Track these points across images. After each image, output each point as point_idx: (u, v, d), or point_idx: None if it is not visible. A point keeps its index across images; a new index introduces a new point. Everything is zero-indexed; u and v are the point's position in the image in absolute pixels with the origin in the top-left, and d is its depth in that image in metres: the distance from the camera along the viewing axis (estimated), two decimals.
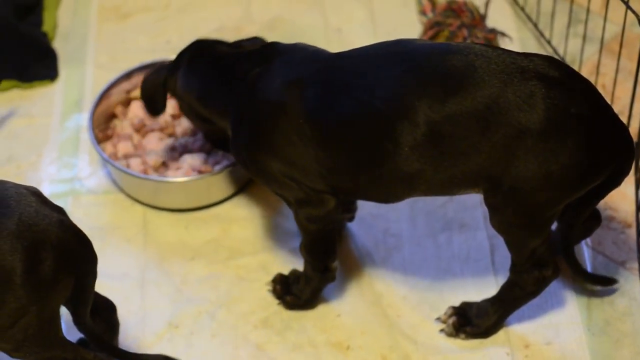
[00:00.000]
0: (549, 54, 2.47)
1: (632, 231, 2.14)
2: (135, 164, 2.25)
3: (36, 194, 1.72)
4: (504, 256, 1.91)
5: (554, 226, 2.05)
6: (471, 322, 1.99)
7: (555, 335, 2.00)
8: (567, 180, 1.75)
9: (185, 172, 2.23)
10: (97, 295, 1.84)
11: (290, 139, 1.84)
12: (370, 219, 2.20)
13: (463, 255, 2.13)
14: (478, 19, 2.48)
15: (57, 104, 2.48)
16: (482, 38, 2.43)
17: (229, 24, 2.63)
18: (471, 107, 1.72)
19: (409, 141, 1.75)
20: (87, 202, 2.27)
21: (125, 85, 2.38)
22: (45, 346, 1.72)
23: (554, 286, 2.04)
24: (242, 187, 2.27)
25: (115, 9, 2.70)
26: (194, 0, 2.71)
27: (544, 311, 2.03)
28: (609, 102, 2.25)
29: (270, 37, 2.10)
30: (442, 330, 2.01)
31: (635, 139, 2.24)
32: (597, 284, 2.04)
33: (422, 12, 2.60)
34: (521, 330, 2.01)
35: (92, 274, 1.75)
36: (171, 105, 2.32)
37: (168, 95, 2.09)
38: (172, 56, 2.40)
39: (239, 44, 2.01)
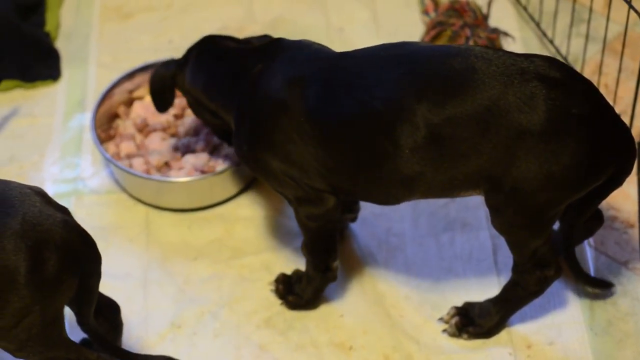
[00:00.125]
0: (551, 54, 2.48)
1: (635, 231, 2.14)
2: (138, 163, 2.25)
3: (40, 193, 1.72)
4: (507, 256, 1.91)
5: (556, 226, 2.05)
6: (474, 322, 1.99)
7: (557, 335, 2.00)
8: (569, 180, 1.75)
9: (188, 172, 2.23)
10: (101, 295, 1.84)
11: (291, 136, 1.84)
12: (372, 219, 2.20)
13: (465, 255, 2.13)
14: (480, 19, 2.48)
15: (59, 104, 2.48)
16: (485, 38, 2.43)
17: (231, 24, 2.64)
18: (471, 110, 1.72)
19: (409, 143, 1.75)
20: (89, 202, 2.27)
21: (128, 85, 2.38)
22: (49, 346, 1.72)
23: (557, 286, 2.04)
24: (245, 187, 2.27)
25: (117, 9, 2.71)
26: (196, 0, 2.71)
27: (547, 311, 2.03)
28: (611, 101, 2.25)
29: None
30: (444, 331, 2.02)
31: (637, 138, 2.24)
32: (596, 286, 2.04)
33: (425, 12, 2.60)
34: (524, 330, 2.01)
35: (96, 274, 1.75)
36: (174, 105, 2.32)
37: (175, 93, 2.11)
38: (175, 56, 2.41)
39: (248, 40, 2.02)
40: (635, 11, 2.02)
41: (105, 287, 1.91)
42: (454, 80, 1.73)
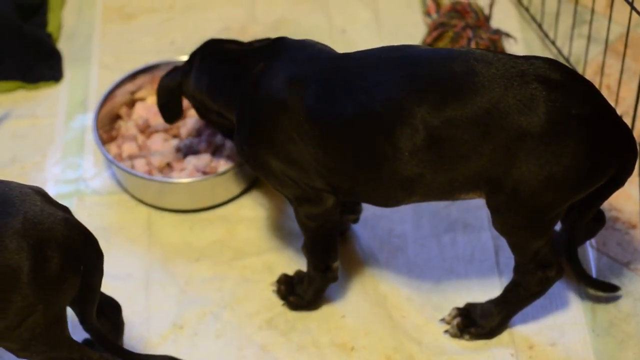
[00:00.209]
0: (553, 55, 2.48)
1: (637, 232, 2.14)
2: (140, 164, 2.25)
3: (40, 193, 1.72)
4: (509, 257, 1.91)
5: (557, 227, 2.05)
6: (475, 323, 1.99)
7: (559, 336, 2.00)
8: (570, 181, 1.75)
9: (190, 173, 2.24)
10: (102, 294, 1.84)
11: (291, 136, 1.84)
12: (374, 220, 2.20)
13: (467, 256, 2.13)
14: (482, 20, 2.48)
15: (61, 104, 2.48)
16: (487, 39, 2.43)
17: (233, 25, 2.64)
18: (471, 112, 1.73)
19: (409, 146, 1.76)
20: (91, 203, 2.28)
21: (130, 86, 2.38)
22: (52, 346, 1.72)
23: (558, 287, 2.04)
24: (246, 188, 2.27)
25: (119, 10, 2.71)
26: (198, 1, 2.71)
27: (549, 312, 2.03)
28: (613, 102, 2.26)
29: None
30: (446, 331, 2.02)
31: (639, 139, 2.24)
32: (600, 289, 2.03)
33: (427, 13, 2.60)
34: (526, 331, 2.01)
35: (98, 272, 1.75)
36: None
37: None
38: (177, 57, 2.41)
39: (250, 43, 2.02)
40: (637, 12, 2.02)
41: (107, 287, 1.91)
42: (454, 83, 1.74)
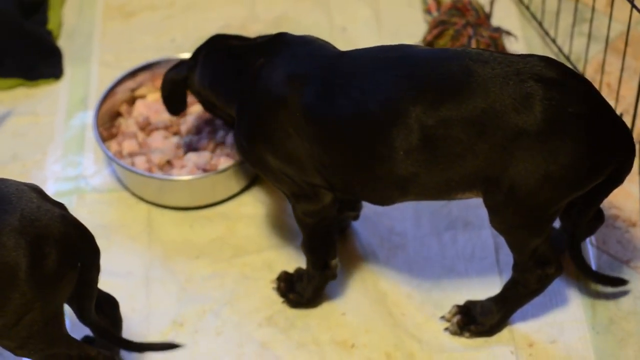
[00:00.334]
0: (553, 53, 2.48)
1: (637, 230, 2.14)
2: (140, 162, 2.25)
3: (36, 190, 1.72)
4: (509, 254, 1.91)
5: (558, 225, 2.05)
6: (475, 320, 1.99)
7: (559, 333, 2.00)
8: (567, 179, 1.75)
9: (190, 171, 2.24)
10: (100, 291, 1.84)
11: (288, 132, 1.85)
12: (374, 218, 2.20)
13: (467, 254, 2.13)
14: (483, 18, 2.48)
15: (62, 102, 2.48)
16: (487, 37, 2.43)
17: (234, 23, 2.64)
18: (466, 112, 1.73)
19: (404, 145, 1.76)
20: (92, 201, 2.28)
21: (130, 84, 2.38)
22: (50, 343, 1.72)
23: (558, 285, 2.04)
24: (247, 185, 2.27)
25: (120, 8, 2.71)
26: None
27: (549, 310, 2.03)
28: (613, 101, 2.26)
29: None
30: (446, 329, 2.01)
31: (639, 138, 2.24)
32: (606, 284, 2.03)
33: (427, 11, 2.60)
34: (525, 328, 2.01)
35: (95, 268, 1.75)
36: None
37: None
38: (177, 54, 2.41)
39: (255, 39, 2.03)
40: (638, 10, 2.02)
41: (107, 285, 1.91)
42: (450, 83, 1.74)
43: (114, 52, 2.59)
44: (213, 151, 2.28)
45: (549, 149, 1.72)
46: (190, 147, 2.29)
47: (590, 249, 2.11)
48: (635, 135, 2.21)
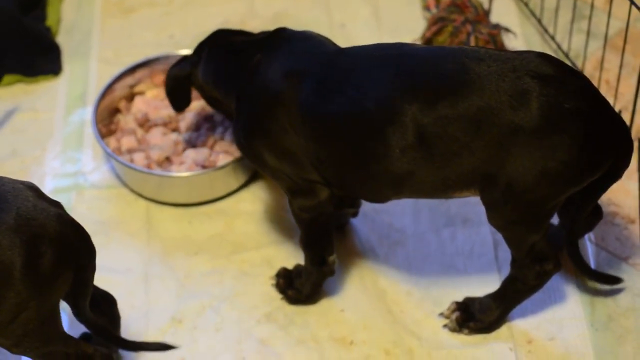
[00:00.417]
0: (552, 50, 2.48)
1: (636, 227, 2.14)
2: (139, 158, 2.25)
3: (33, 188, 1.71)
4: (508, 251, 1.91)
5: (556, 221, 2.05)
6: (474, 317, 1.99)
7: (558, 330, 2.00)
8: (564, 175, 1.75)
9: (189, 167, 2.24)
10: (97, 289, 1.84)
11: (284, 127, 1.85)
12: (373, 214, 2.20)
13: (466, 251, 2.13)
14: (482, 15, 2.48)
15: (61, 98, 2.48)
16: (486, 34, 2.43)
17: (233, 19, 2.64)
18: (462, 110, 1.73)
19: (400, 143, 1.76)
20: (90, 197, 2.27)
21: (129, 80, 2.38)
22: (46, 341, 1.72)
23: (557, 281, 2.04)
24: (245, 181, 2.27)
25: (119, 4, 2.71)
26: None
27: (547, 306, 2.03)
28: (612, 98, 2.26)
29: None
30: (445, 326, 2.02)
31: (639, 134, 2.24)
32: (602, 282, 2.03)
33: (426, 8, 2.60)
34: (524, 325, 2.01)
35: (91, 267, 1.75)
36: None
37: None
38: (176, 51, 2.41)
39: (257, 34, 2.03)
40: (637, 7, 2.02)
41: (106, 281, 1.91)
42: (446, 81, 1.74)
43: (113, 48, 2.59)
44: (212, 148, 2.28)
45: (546, 145, 1.72)
46: (189, 144, 2.29)
47: (589, 246, 2.12)
48: (633, 132, 2.22)
